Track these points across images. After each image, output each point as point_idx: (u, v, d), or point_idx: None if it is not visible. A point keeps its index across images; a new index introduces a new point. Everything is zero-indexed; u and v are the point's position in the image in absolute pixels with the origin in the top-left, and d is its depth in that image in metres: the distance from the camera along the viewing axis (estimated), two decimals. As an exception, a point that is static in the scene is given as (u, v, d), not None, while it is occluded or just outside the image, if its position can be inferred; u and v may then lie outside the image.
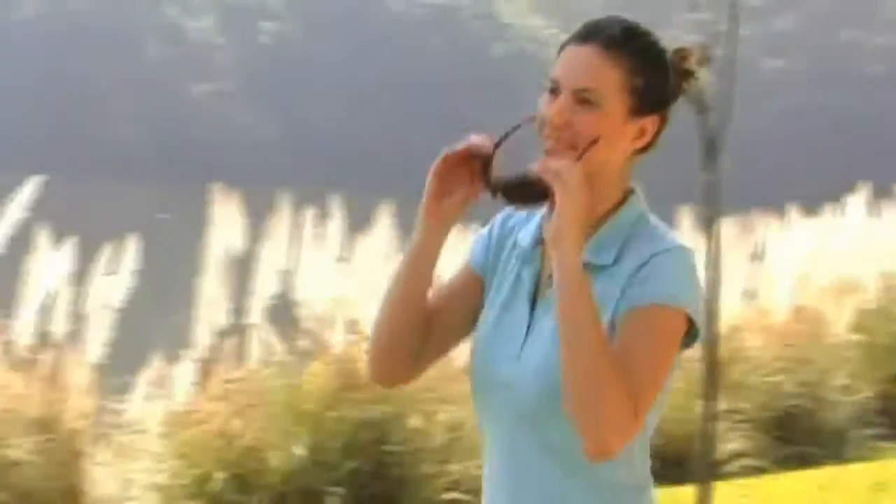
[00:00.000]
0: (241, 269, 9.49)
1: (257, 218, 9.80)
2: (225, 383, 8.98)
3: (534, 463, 2.74)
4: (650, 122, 2.76)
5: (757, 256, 12.04)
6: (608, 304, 2.68)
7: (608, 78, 2.71)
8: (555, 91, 2.74)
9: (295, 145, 68.51)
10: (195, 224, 10.22)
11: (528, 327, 2.76)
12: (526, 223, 2.87)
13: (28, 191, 8.85)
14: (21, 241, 8.77)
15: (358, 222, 9.97)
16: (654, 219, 2.80)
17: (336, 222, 9.87)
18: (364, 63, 65.84)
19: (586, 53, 2.73)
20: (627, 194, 2.80)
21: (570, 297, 2.60)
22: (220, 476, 8.55)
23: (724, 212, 7.91)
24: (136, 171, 66.98)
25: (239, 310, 9.40)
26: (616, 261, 2.72)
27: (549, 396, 2.68)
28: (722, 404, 9.20)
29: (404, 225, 9.28)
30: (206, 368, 9.09)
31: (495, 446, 2.81)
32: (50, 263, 8.81)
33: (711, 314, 7.09)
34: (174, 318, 12.34)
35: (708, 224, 7.30)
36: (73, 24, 74.28)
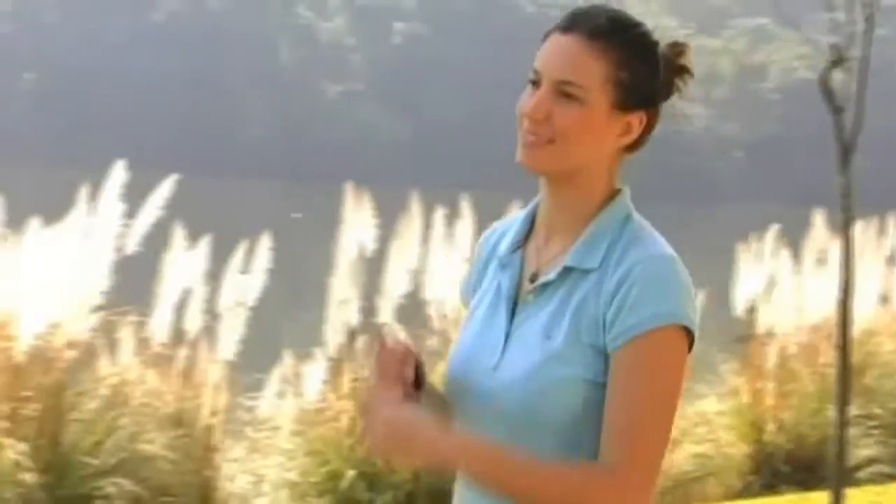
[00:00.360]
0: (372, 268, 9.56)
1: (388, 217, 9.86)
2: (355, 382, 9.05)
3: None
4: (636, 118, 2.61)
5: (891, 260, 11.84)
6: (589, 306, 2.53)
7: (591, 70, 2.56)
8: (536, 83, 2.59)
9: (425, 145, 68.71)
10: (327, 223, 10.30)
11: (507, 336, 2.61)
12: (508, 231, 2.73)
13: (164, 189, 8.99)
14: (157, 240, 8.91)
15: (487, 222, 9.97)
16: (640, 221, 2.64)
17: (466, 222, 9.89)
18: (495, 63, 65.73)
19: (569, 43, 2.58)
20: (614, 194, 2.64)
21: (486, 479, 2.49)
22: (349, 474, 8.61)
23: (859, 214, 7.79)
24: (269, 171, 67.69)
25: (369, 309, 9.45)
26: (602, 264, 2.56)
27: (528, 408, 2.53)
28: (855, 409, 9.06)
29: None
30: (337, 367, 9.16)
31: None
32: (185, 261, 8.93)
33: (845, 318, 7.00)
34: (306, 316, 12.47)
35: (842, 227, 7.20)
36: (210, 25, 75.26)
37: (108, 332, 8.60)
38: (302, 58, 76.29)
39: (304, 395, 9.02)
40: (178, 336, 8.86)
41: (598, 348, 2.52)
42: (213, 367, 8.84)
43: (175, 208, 8.99)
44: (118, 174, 8.75)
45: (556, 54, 2.59)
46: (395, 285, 9.51)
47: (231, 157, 70.48)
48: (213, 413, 8.65)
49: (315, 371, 9.05)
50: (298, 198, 48.23)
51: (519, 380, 2.54)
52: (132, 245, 8.71)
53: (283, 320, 16.55)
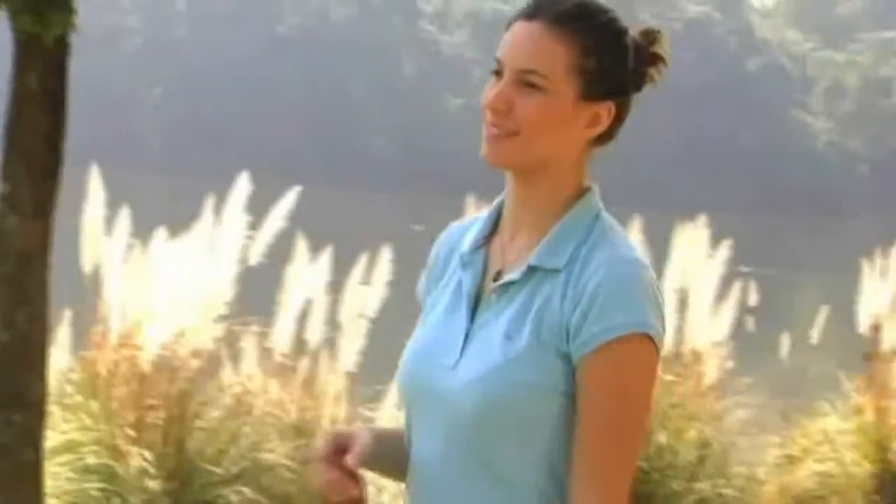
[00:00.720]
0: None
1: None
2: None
3: (468, 481, 2.47)
4: (605, 109, 2.49)
5: None
6: (553, 308, 2.44)
7: (555, 57, 2.45)
8: (499, 73, 2.49)
9: (547, 159, 68.68)
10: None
11: (468, 335, 2.50)
12: (469, 229, 2.62)
13: (287, 200, 9.08)
14: (280, 250, 9.01)
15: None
16: (610, 221, 2.52)
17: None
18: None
19: (531, 30, 2.47)
20: (583, 191, 2.52)
21: None
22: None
23: None
24: (391, 183, 68.12)
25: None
26: (567, 264, 2.46)
27: (486, 409, 2.43)
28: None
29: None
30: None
31: (424, 462, 2.53)
32: (307, 272, 9.01)
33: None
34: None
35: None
36: (334, 37, 75.94)
37: (231, 341, 8.71)
38: (424, 70, 76.68)
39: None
40: (299, 347, 8.94)
41: (562, 353, 2.43)
42: (334, 377, 8.91)
43: (298, 219, 9.07)
44: (242, 185, 8.86)
45: (518, 42, 2.47)
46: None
47: (353, 168, 71.03)
48: (334, 423, 8.71)
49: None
50: (419, 210, 48.43)
51: (477, 381, 2.44)
52: (256, 256, 8.82)
53: (403, 332, 16.62)
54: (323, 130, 72.60)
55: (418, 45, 77.67)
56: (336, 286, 9.17)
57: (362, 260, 9.22)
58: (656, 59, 2.53)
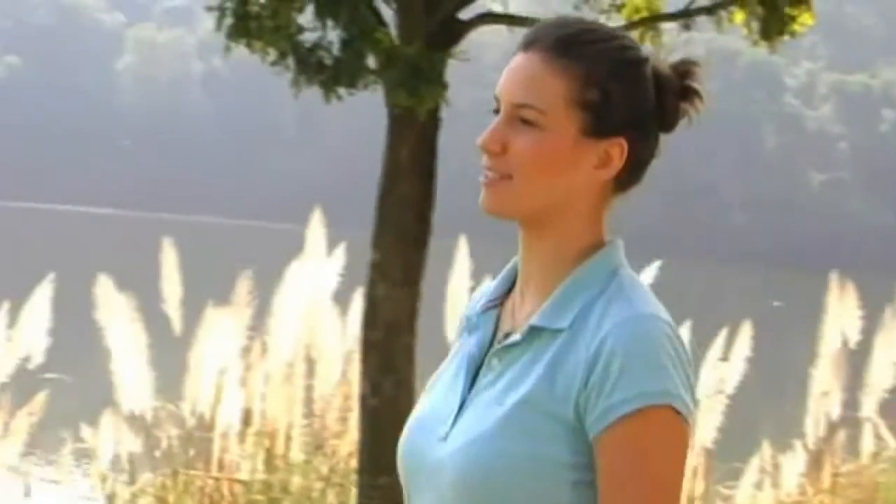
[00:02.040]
0: (856, 360, 9.33)
1: (873, 308, 9.61)
2: (834, 476, 8.83)
3: None
4: (615, 147, 2.17)
5: None
6: (559, 373, 2.12)
7: (551, 90, 2.15)
8: (497, 111, 2.20)
9: (915, 235, 66.41)
10: (809, 313, 10.14)
11: (463, 403, 2.19)
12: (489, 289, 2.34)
13: (648, 274, 9.11)
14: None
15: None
16: (631, 278, 2.20)
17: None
18: None
19: (527, 62, 2.18)
20: (600, 245, 2.20)
21: None
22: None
23: None
24: (751, 257, 67.16)
25: (852, 402, 9.22)
26: (573, 323, 2.14)
27: (469, 484, 2.13)
28: None
29: None
30: (817, 459, 8.97)
31: None
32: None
33: None
34: (785, 406, 12.26)
35: None
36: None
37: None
38: (787, 145, 75.47)
39: (782, 487, 8.87)
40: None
41: (565, 421, 2.11)
42: (691, 453, 8.84)
43: (657, 293, 9.06)
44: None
45: (513, 75, 2.19)
46: (879, 378, 9.25)
47: (713, 242, 70.38)
48: (690, 500, 8.63)
49: (794, 463, 8.89)
50: (779, 285, 47.56)
51: (461, 450, 2.14)
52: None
53: (762, 409, 16.35)
54: (683, 203, 72.28)
55: (782, 119, 76.55)
56: (694, 361, 9.09)
57: (722, 335, 9.14)
58: (688, 93, 2.24)
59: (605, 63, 2.17)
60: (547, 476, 2.11)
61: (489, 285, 2.34)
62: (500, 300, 2.28)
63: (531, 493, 2.10)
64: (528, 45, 2.19)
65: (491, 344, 2.24)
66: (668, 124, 2.24)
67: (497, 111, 2.19)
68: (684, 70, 2.24)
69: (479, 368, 2.22)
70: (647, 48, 2.24)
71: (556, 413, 2.10)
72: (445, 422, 2.19)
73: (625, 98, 2.17)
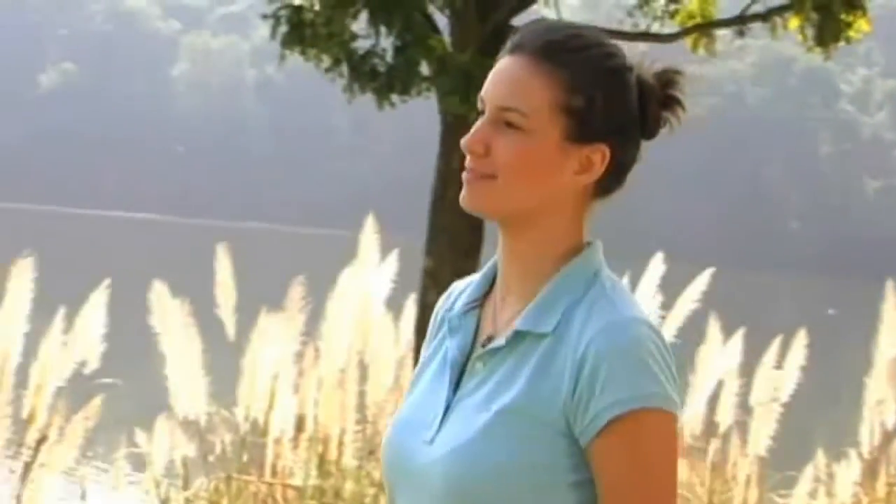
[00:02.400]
0: (912, 369, 9.24)
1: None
2: (890, 485, 8.77)
3: None
4: (597, 153, 2.19)
5: None
6: (544, 378, 2.13)
7: (536, 94, 2.17)
8: (482, 113, 2.23)
9: (972, 243, 65.83)
10: (864, 321, 10.07)
11: (448, 407, 2.21)
12: (467, 289, 2.34)
13: (700, 281, 9.07)
14: (692, 331, 8.99)
15: None
16: (612, 280, 2.22)
17: None
18: None
19: (513, 65, 2.20)
20: (580, 248, 2.23)
21: None
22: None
23: None
24: (805, 265, 66.77)
25: (907, 411, 9.15)
26: (557, 328, 2.16)
27: (457, 491, 2.13)
28: None
29: None
30: (871, 468, 8.91)
31: None
32: (719, 354, 8.95)
33: None
34: (840, 415, 12.19)
35: None
36: (750, 117, 75.32)
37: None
38: (842, 152, 75.01)
39: (837, 496, 8.81)
40: (710, 429, 8.88)
41: (554, 427, 2.12)
42: (745, 461, 8.80)
43: (710, 300, 9.04)
44: (656, 265, 8.91)
45: (498, 78, 2.21)
46: (935, 388, 9.16)
47: (767, 250, 70.01)
48: (745, 508, 8.59)
49: (848, 472, 8.83)
50: (835, 293, 47.25)
51: (447, 456, 2.15)
52: (668, 336, 8.83)
53: (817, 418, 16.25)
54: (736, 211, 71.94)
55: (836, 126, 76.08)
56: (748, 369, 9.07)
57: (776, 343, 9.09)
58: (670, 102, 2.26)
59: (591, 70, 2.19)
60: (536, 481, 2.12)
61: (463, 284, 2.36)
62: (479, 301, 2.29)
63: (521, 500, 2.12)
64: (514, 49, 2.21)
65: (472, 346, 2.25)
66: (649, 131, 2.26)
67: (482, 112, 2.21)
68: (667, 79, 2.26)
69: (461, 372, 2.24)
70: (632, 56, 2.26)
71: (543, 418, 2.12)
72: (430, 425, 2.21)
73: (608, 105, 2.19)
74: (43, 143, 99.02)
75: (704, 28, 7.36)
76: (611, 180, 2.24)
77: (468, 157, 2.22)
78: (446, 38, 6.51)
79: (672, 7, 7.36)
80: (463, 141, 2.22)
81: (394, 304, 8.74)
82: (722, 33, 7.38)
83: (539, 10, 7.22)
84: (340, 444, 8.29)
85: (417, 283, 6.87)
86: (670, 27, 7.27)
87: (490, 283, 2.30)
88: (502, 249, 2.25)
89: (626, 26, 7.33)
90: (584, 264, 2.21)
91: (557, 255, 2.22)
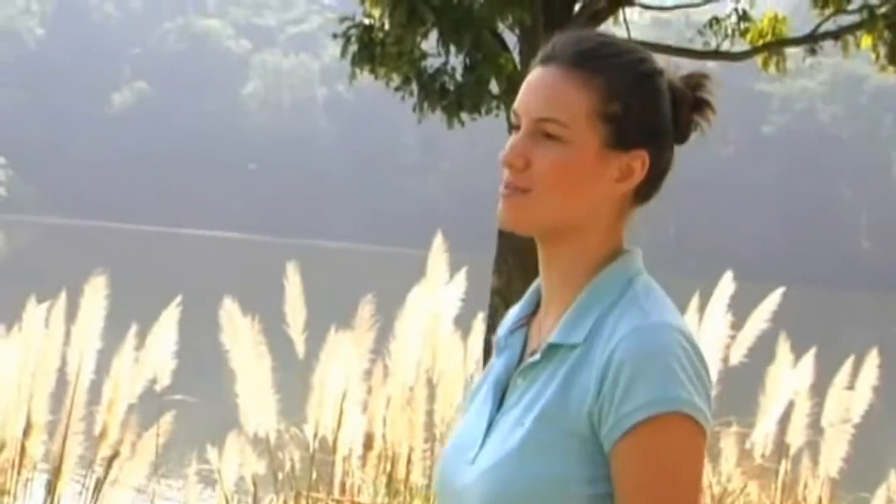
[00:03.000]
0: None
1: None
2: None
3: None
4: (637, 160, 2.15)
5: None
6: (573, 389, 2.10)
7: (574, 103, 2.13)
8: (518, 127, 2.18)
9: None
10: (938, 341, 9.97)
11: (490, 424, 2.20)
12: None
13: (771, 301, 9.01)
14: (763, 351, 8.93)
15: None
16: (646, 285, 2.17)
17: None
18: None
19: (547, 76, 2.16)
20: (617, 255, 2.19)
21: None
22: None
23: None
24: (877, 284, 66.12)
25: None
26: (588, 337, 2.13)
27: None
28: None
29: None
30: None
31: None
32: (790, 374, 8.89)
33: None
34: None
35: None
36: (821, 136, 74.83)
37: (712, 441, 8.68)
38: (915, 170, 74.34)
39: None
40: (780, 449, 8.81)
41: (587, 439, 2.09)
42: (815, 483, 8.72)
43: (780, 320, 8.98)
44: (726, 284, 8.86)
45: (533, 90, 2.17)
46: None
47: (838, 268, 69.44)
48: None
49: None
50: (907, 313, 46.73)
51: (486, 474, 2.13)
52: (737, 356, 8.77)
53: (890, 439, 16.07)
54: (807, 230, 71.42)
55: (910, 144, 75.40)
56: (819, 389, 8.99)
57: (847, 363, 9.01)
58: (701, 105, 2.22)
59: (625, 76, 2.16)
60: (564, 494, 2.09)
61: (518, 307, 2.33)
62: (526, 320, 2.28)
63: None
64: (546, 60, 2.18)
65: (518, 364, 2.23)
66: (682, 136, 2.22)
67: (517, 127, 2.18)
68: (696, 83, 2.23)
69: (505, 389, 2.23)
70: (660, 61, 2.22)
71: (572, 428, 2.09)
72: (474, 445, 2.20)
73: (645, 110, 2.16)
74: (116, 161, 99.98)
75: (775, 46, 7.33)
76: (649, 186, 2.20)
77: (505, 172, 2.17)
78: (515, 56, 6.51)
79: (743, 25, 7.32)
80: (501, 156, 2.17)
81: (462, 323, 8.74)
82: (793, 51, 7.34)
83: (608, 28, 7.21)
84: (409, 462, 8.30)
85: (486, 302, 6.86)
86: (741, 45, 7.24)
87: (536, 301, 2.28)
88: (542, 263, 2.22)
89: (697, 45, 7.31)
90: (618, 272, 2.17)
91: (595, 264, 2.18)
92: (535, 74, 2.18)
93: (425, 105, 6.32)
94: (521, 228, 2.17)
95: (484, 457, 2.16)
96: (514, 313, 2.31)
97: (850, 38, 7.18)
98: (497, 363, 2.27)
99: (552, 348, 2.15)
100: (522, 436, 2.12)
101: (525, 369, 2.19)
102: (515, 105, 2.18)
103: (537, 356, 2.17)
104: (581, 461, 2.09)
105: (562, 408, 2.10)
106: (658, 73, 2.19)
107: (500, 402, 2.22)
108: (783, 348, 8.92)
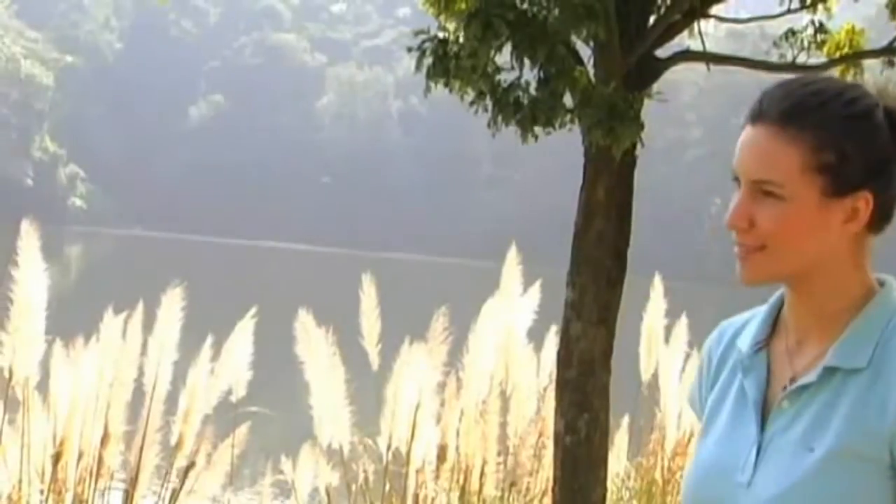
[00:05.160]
0: None
1: None
2: None
3: None
4: (861, 201, 2.17)
5: None
6: (865, 413, 2.11)
7: (784, 161, 2.16)
8: (738, 181, 2.23)
9: None
10: None
11: (760, 447, 2.20)
12: (744, 328, 2.34)
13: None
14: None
15: None
16: None
17: None
18: None
19: (758, 136, 2.19)
20: (873, 288, 2.22)
21: None
22: None
23: None
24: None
25: None
26: (871, 362, 2.14)
27: None
28: None
29: None
30: None
31: None
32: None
33: None
34: None
35: None
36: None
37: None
38: None
39: None
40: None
41: (881, 462, 2.10)
42: None
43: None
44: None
45: (746, 151, 2.20)
46: None
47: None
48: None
49: None
50: None
51: (778, 499, 2.13)
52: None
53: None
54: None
55: None
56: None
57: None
58: None
59: (835, 124, 2.16)
60: None
61: (735, 325, 2.37)
62: (766, 342, 2.30)
63: None
64: (755, 119, 2.21)
65: (766, 385, 2.26)
66: None
67: (736, 180, 2.22)
68: None
69: (763, 410, 2.24)
70: (873, 86, 2.23)
71: (870, 455, 2.10)
72: (744, 467, 2.20)
73: (861, 152, 2.16)
74: (193, 174, 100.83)
75: (852, 59, 7.27)
76: (880, 218, 2.22)
77: (735, 234, 2.22)
78: (590, 69, 6.50)
79: (819, 37, 7.27)
80: (726, 219, 2.22)
81: (536, 336, 8.74)
82: (871, 63, 7.28)
83: (683, 42, 7.19)
84: (482, 474, 8.31)
85: (559, 315, 6.85)
86: (817, 58, 7.19)
87: (772, 326, 2.31)
88: (789, 302, 2.27)
89: (773, 57, 7.27)
90: (886, 301, 2.21)
91: (852, 299, 2.22)
92: (747, 134, 2.21)
93: (499, 119, 6.32)
94: (767, 281, 2.23)
95: (765, 482, 2.17)
96: (739, 334, 2.34)
97: (929, 50, 7.11)
98: (747, 383, 2.27)
99: (828, 372, 2.17)
100: (813, 464, 2.13)
101: (792, 393, 2.21)
102: (734, 164, 2.22)
103: (811, 378, 2.19)
104: (881, 487, 2.10)
105: (856, 435, 2.11)
106: (870, 109, 2.18)
107: (762, 424, 2.23)
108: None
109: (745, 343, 2.31)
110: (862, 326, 2.18)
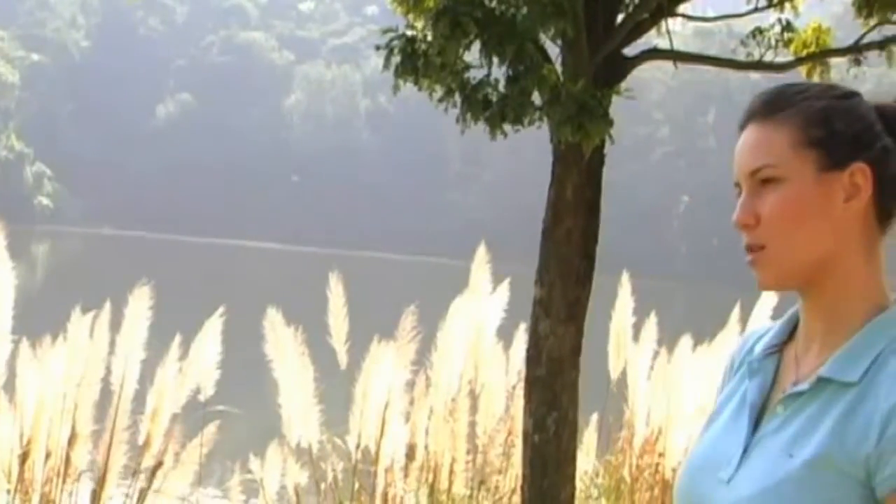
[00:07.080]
0: None
1: None
2: None
3: None
4: (858, 171, 2.15)
5: None
6: (849, 429, 2.09)
7: (777, 142, 2.18)
8: (738, 185, 2.24)
9: None
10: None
11: (747, 447, 2.20)
12: (766, 334, 2.33)
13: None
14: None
15: None
16: None
17: None
18: None
19: (748, 135, 2.22)
20: (884, 302, 2.18)
21: None
22: None
23: None
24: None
25: None
26: (863, 378, 2.11)
27: None
28: None
29: None
30: None
31: None
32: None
33: None
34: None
35: None
36: None
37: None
38: (961, 181, 74.05)
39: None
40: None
41: (857, 480, 2.08)
42: None
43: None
44: (770, 297, 8.82)
45: (739, 151, 2.23)
46: None
47: None
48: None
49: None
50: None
51: (751, 498, 2.13)
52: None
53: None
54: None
55: (955, 155, 75.17)
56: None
57: None
58: None
59: (819, 102, 2.20)
60: None
61: (761, 331, 2.36)
62: (779, 347, 2.29)
63: None
64: (744, 124, 2.24)
65: (771, 389, 2.25)
66: None
67: (738, 187, 2.23)
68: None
69: (760, 413, 2.23)
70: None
71: (848, 471, 2.08)
72: (728, 465, 2.20)
73: (848, 124, 2.18)
74: (161, 172, 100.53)
75: (819, 57, 7.30)
76: (886, 199, 2.20)
77: (743, 236, 2.21)
78: (558, 67, 6.51)
79: (786, 36, 7.29)
80: (734, 218, 2.21)
81: (505, 334, 8.74)
82: (837, 62, 7.31)
83: (651, 41, 7.20)
84: (451, 473, 8.31)
85: (528, 313, 6.85)
86: (784, 56, 7.21)
87: (790, 331, 2.30)
88: (803, 305, 2.25)
89: (741, 55, 7.30)
90: (893, 318, 2.16)
91: (862, 309, 2.18)
92: (741, 139, 2.23)
93: (468, 116, 6.32)
94: (781, 283, 2.22)
95: (744, 481, 2.16)
96: (761, 339, 2.33)
97: (895, 49, 7.14)
98: (750, 385, 2.27)
99: (822, 382, 2.14)
100: (793, 470, 2.11)
101: (787, 398, 2.19)
102: (734, 177, 2.23)
103: (805, 386, 2.17)
104: (854, 501, 2.08)
105: (837, 448, 2.09)
106: (852, 93, 2.23)
107: (754, 425, 2.22)
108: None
109: (759, 347, 2.31)
110: (862, 340, 2.15)
